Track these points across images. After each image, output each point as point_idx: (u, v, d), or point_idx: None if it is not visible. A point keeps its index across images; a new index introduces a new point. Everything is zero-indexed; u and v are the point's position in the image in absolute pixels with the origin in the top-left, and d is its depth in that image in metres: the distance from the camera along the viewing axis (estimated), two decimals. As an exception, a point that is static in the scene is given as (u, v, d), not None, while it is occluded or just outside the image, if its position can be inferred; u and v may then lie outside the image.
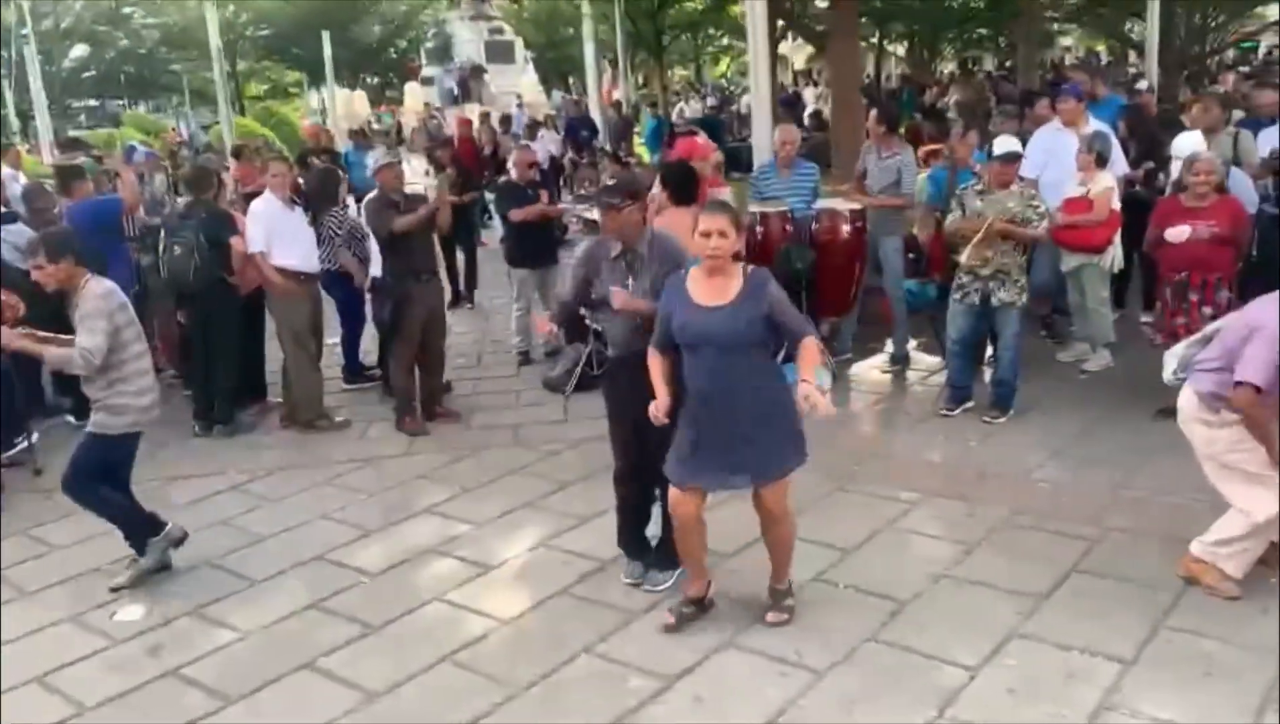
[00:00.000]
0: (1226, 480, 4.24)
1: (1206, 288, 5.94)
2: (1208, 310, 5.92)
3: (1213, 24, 21.13)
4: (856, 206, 7.35)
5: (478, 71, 35.86)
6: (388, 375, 7.46)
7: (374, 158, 6.98)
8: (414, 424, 6.92)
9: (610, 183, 4.52)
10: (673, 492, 4.22)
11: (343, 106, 25.82)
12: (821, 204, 7.44)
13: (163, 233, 6.74)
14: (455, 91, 34.67)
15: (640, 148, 18.13)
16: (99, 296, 4.75)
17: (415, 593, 4.78)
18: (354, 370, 8.00)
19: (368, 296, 7.45)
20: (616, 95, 23.54)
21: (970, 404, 6.48)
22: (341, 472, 6.33)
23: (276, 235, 6.83)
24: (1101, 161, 7.01)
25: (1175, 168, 6.67)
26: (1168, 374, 4.52)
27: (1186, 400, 4.33)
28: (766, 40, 8.96)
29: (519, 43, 35.84)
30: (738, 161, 18.27)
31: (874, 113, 7.86)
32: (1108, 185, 6.94)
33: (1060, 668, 3.86)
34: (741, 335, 3.95)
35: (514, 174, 8.50)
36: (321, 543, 5.33)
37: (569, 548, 5.14)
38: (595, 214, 8.52)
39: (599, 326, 4.84)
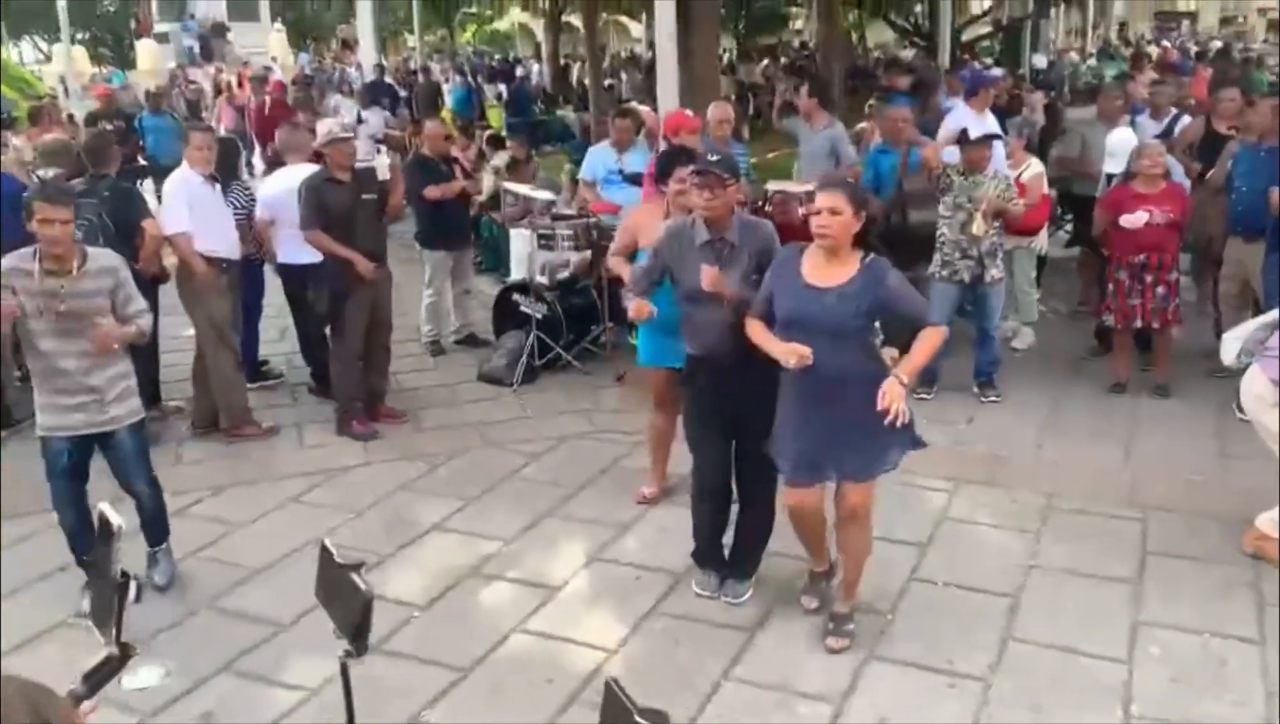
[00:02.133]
0: None
1: (1162, 269, 6.31)
2: (1161, 290, 6.31)
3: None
4: (810, 187, 7.27)
5: (220, 29, 33.15)
6: (321, 373, 6.68)
7: (322, 128, 6.13)
8: (362, 427, 6.21)
9: (714, 157, 4.11)
10: (788, 489, 4.00)
11: (61, 63, 22.98)
12: (774, 185, 7.32)
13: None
14: (196, 50, 31.92)
15: (446, 113, 17.27)
16: (121, 263, 4.28)
17: (488, 625, 4.26)
18: (254, 368, 7.08)
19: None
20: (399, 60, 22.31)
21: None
22: (300, 488, 5.58)
23: (198, 216, 5.89)
24: (1030, 148, 7.29)
25: (1111, 164, 7.05)
26: (1230, 358, 4.72)
27: (1257, 384, 4.52)
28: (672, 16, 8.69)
29: (265, -2, 33.46)
30: (549, 134, 17.94)
31: (805, 87, 7.84)
32: (1038, 171, 7.24)
33: (1206, 654, 3.94)
34: (847, 323, 3.71)
35: (426, 147, 7.79)
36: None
37: (625, 561, 4.76)
38: (545, 193, 8.08)
39: (688, 321, 4.33)
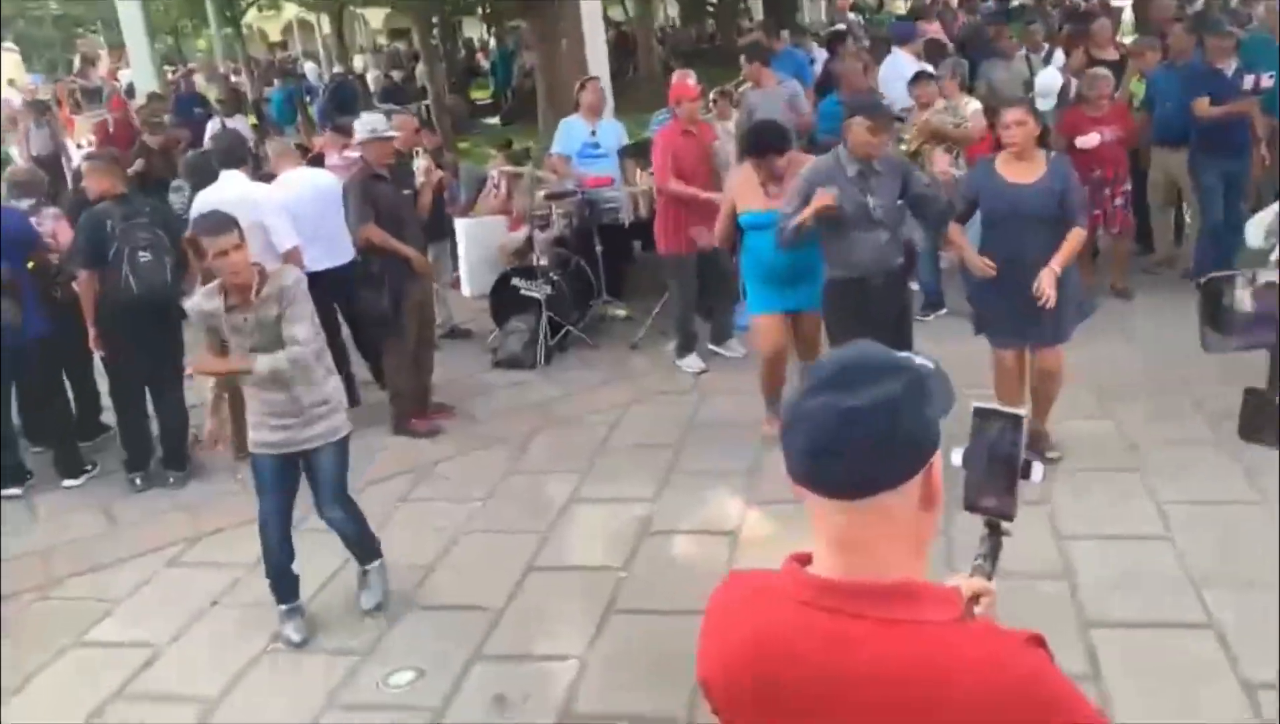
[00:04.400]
0: None
1: (1116, 182, 7.12)
2: (1118, 200, 7.13)
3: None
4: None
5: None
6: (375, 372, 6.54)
7: (362, 125, 5.91)
8: (424, 424, 6.14)
9: (873, 101, 4.59)
10: (997, 352, 4.82)
11: None
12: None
13: (115, 233, 5.23)
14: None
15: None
16: (298, 277, 4.07)
17: (705, 572, 4.42)
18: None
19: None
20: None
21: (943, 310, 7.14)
22: (403, 487, 5.50)
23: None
24: (963, 86, 7.99)
25: (1042, 103, 7.82)
26: (1257, 240, 5.46)
27: None
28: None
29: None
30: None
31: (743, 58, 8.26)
32: (976, 106, 7.94)
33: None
34: (1047, 209, 4.58)
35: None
36: (522, 552, 4.70)
37: (778, 498, 4.99)
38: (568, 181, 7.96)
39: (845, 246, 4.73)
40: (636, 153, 7.71)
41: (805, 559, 1.41)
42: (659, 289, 8.00)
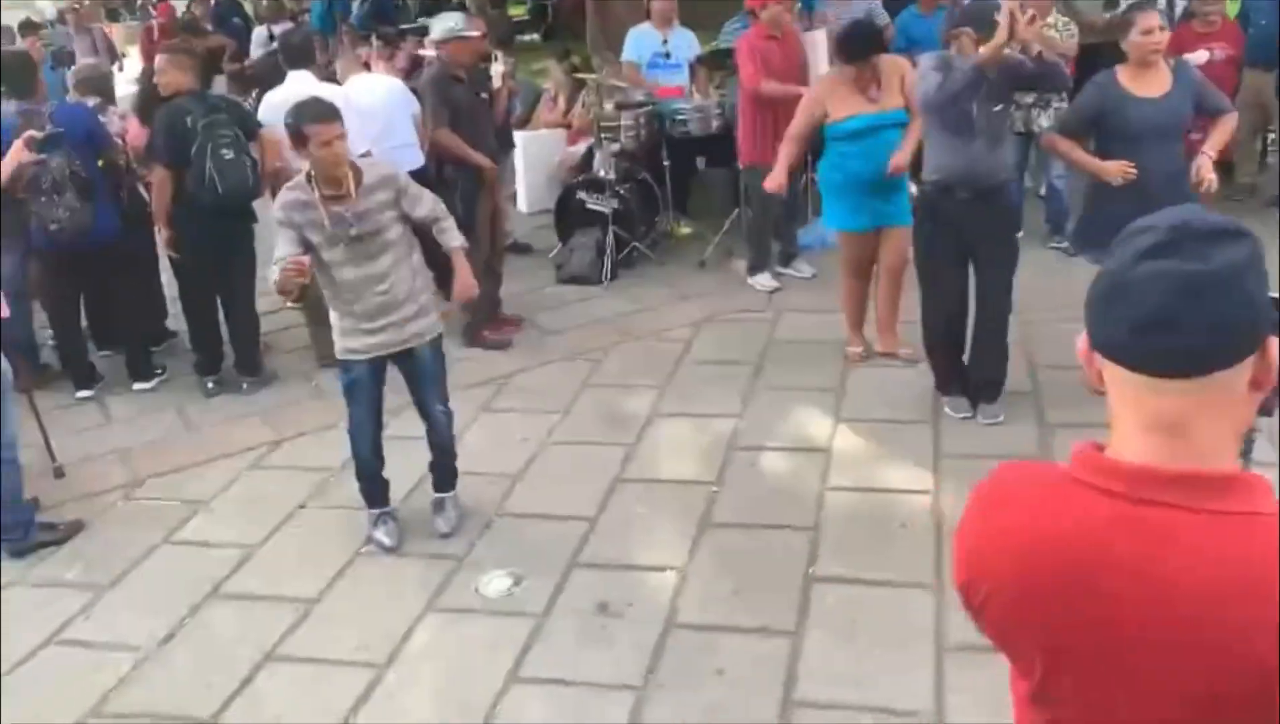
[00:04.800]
0: None
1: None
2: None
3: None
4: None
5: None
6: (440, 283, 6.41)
7: (440, 25, 5.73)
8: (495, 336, 6.06)
9: (983, 11, 4.33)
10: None
11: None
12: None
13: (196, 130, 5.10)
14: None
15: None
16: (396, 169, 4.07)
17: (805, 488, 4.36)
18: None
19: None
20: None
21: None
22: (485, 395, 5.41)
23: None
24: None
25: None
26: None
27: None
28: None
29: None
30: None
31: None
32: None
33: None
34: (1181, 122, 4.46)
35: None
36: (608, 464, 4.63)
37: (870, 416, 4.88)
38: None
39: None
40: (708, 63, 7.47)
41: (1098, 448, 1.28)
42: (722, 206, 7.86)
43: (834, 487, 4.34)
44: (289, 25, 12.02)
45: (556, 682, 3.37)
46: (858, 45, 5.00)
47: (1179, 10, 7.41)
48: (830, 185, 5.25)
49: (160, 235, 5.43)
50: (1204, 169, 4.35)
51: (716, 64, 7.32)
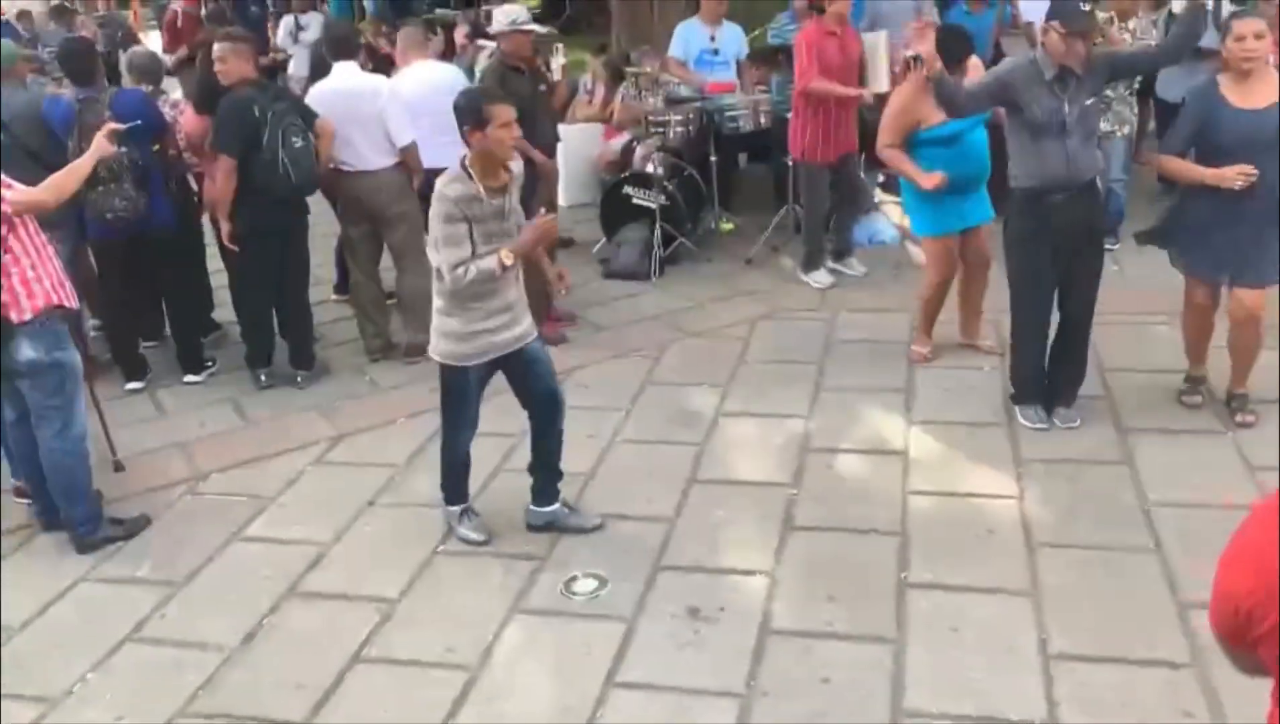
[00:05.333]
0: None
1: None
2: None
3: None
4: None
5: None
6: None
7: (502, 15, 5.65)
8: (550, 329, 5.96)
9: (1072, 6, 4.27)
10: (1191, 285, 4.52)
11: None
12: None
13: (265, 119, 5.01)
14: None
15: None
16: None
17: (881, 489, 4.30)
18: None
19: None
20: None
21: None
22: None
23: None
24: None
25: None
26: None
27: None
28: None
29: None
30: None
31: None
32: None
33: None
34: None
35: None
36: (680, 464, 4.57)
37: (939, 419, 4.83)
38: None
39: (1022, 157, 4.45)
40: (758, 60, 7.41)
41: None
42: (764, 202, 7.81)
43: (915, 490, 4.27)
44: (313, 14, 11.93)
45: (656, 687, 3.29)
46: (947, 50, 4.91)
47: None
48: (920, 191, 5.14)
49: (221, 226, 5.34)
50: None
51: (765, 60, 7.25)
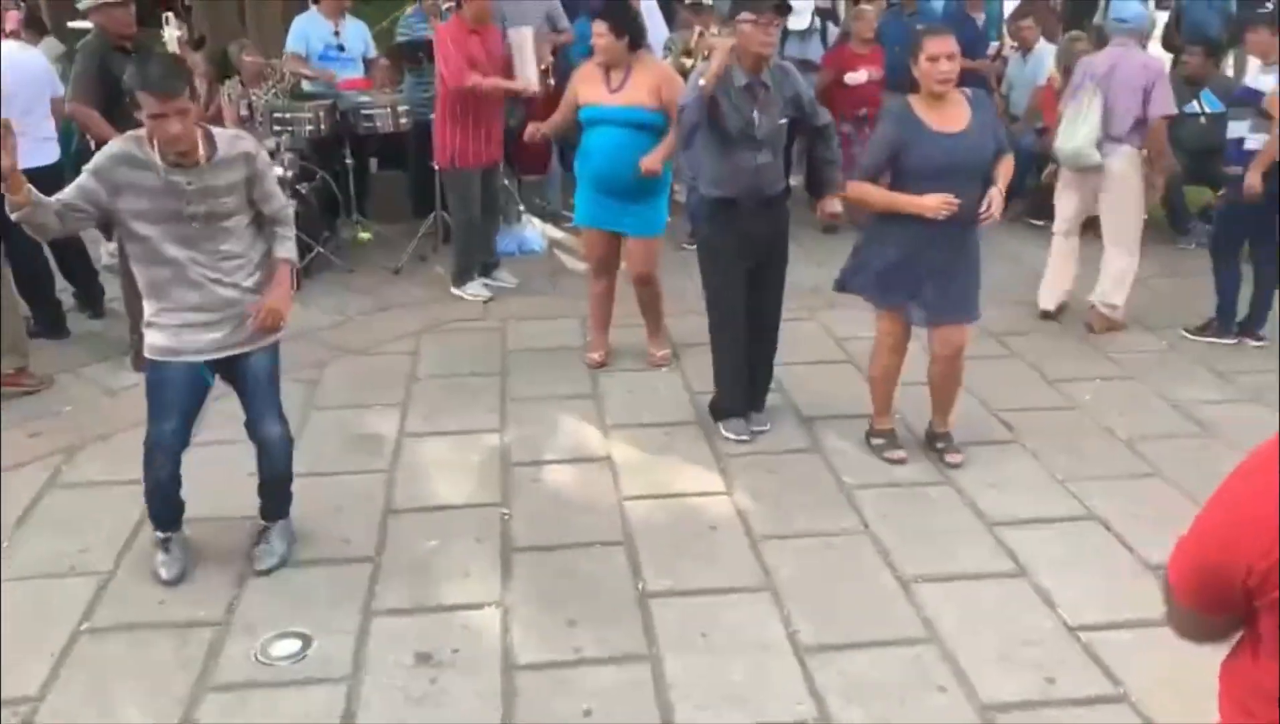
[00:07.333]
0: None
1: (870, 121, 7.42)
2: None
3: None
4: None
5: None
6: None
7: None
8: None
9: None
10: (886, 319, 4.22)
11: None
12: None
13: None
14: None
15: None
16: (257, 147, 3.37)
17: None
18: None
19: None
20: None
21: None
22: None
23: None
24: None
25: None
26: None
27: None
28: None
29: None
30: None
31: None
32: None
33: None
34: (986, 162, 3.94)
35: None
36: (371, 494, 4.05)
37: (648, 420, 4.71)
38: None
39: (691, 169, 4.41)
40: (394, 57, 6.94)
41: None
42: (403, 209, 7.38)
43: (629, 496, 4.09)
44: None
45: (402, 753, 2.82)
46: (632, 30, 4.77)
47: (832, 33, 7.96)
48: (580, 174, 4.94)
49: None
50: (995, 204, 3.92)
51: (407, 57, 6.81)
